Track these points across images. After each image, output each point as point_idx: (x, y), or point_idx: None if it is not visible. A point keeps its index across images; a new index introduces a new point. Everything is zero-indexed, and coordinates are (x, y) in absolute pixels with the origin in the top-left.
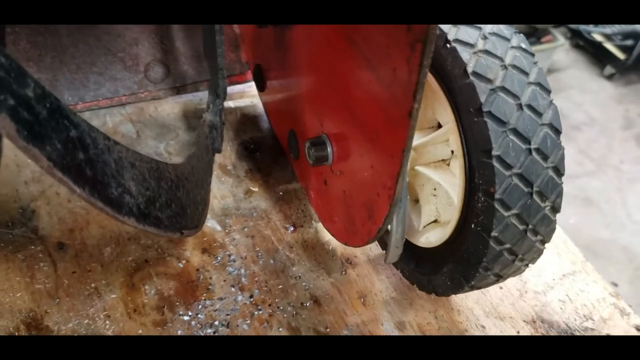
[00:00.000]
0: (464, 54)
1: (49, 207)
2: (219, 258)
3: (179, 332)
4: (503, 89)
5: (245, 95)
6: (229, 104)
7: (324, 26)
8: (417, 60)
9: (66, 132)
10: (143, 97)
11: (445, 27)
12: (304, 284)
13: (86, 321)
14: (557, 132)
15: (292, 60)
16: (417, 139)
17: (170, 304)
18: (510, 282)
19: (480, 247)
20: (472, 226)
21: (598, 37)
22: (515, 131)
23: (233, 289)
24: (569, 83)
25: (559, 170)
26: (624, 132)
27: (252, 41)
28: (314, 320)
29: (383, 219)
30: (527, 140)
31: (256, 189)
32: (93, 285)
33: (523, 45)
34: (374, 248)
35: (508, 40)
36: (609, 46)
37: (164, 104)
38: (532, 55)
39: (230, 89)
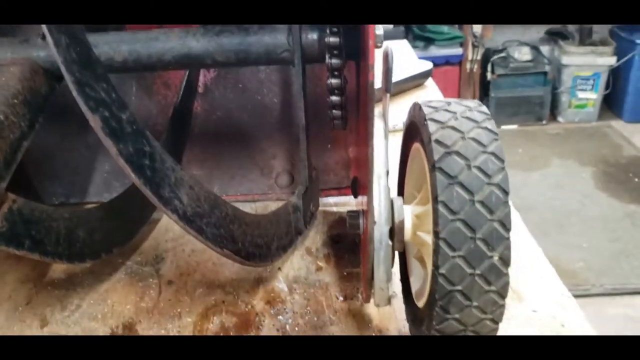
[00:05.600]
0: (433, 127)
1: (173, 257)
2: (276, 309)
3: None
4: (457, 152)
5: (348, 204)
6: (333, 209)
7: None
8: None
9: (141, 145)
10: (270, 197)
11: (426, 110)
12: None
13: (162, 331)
14: (505, 192)
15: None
16: (418, 209)
17: (225, 332)
18: None
19: (435, 287)
20: (432, 268)
21: None
22: (460, 184)
23: (277, 332)
24: None
25: (505, 225)
26: None
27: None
28: None
29: (367, 258)
30: (471, 193)
31: (325, 266)
32: (179, 310)
33: (489, 127)
34: (407, 325)
35: (477, 122)
36: None
37: None
38: (496, 134)
39: (339, 199)
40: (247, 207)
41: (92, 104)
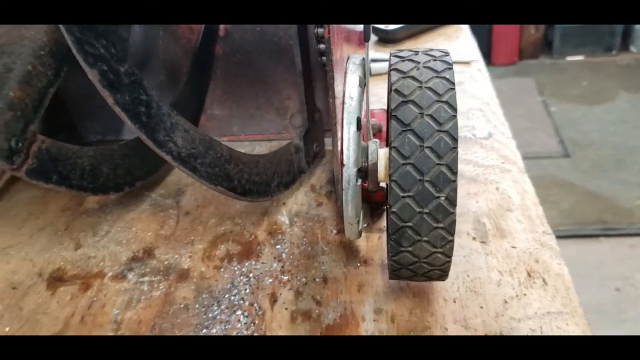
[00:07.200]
0: (394, 77)
1: (192, 191)
2: (276, 239)
3: (225, 276)
4: (413, 102)
5: None
6: None
7: None
8: None
9: (137, 94)
10: (284, 137)
11: (392, 60)
12: (323, 267)
13: (175, 256)
14: (454, 139)
15: None
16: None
17: (229, 258)
18: (492, 305)
19: (389, 223)
20: (387, 206)
21: None
22: (412, 132)
23: (274, 259)
24: None
25: (451, 169)
26: None
27: None
28: (315, 290)
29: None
30: (421, 140)
31: (326, 202)
32: (192, 237)
33: (447, 76)
34: None
35: (437, 71)
36: None
37: None
38: (452, 84)
39: None
40: (264, 146)
41: (90, 59)
